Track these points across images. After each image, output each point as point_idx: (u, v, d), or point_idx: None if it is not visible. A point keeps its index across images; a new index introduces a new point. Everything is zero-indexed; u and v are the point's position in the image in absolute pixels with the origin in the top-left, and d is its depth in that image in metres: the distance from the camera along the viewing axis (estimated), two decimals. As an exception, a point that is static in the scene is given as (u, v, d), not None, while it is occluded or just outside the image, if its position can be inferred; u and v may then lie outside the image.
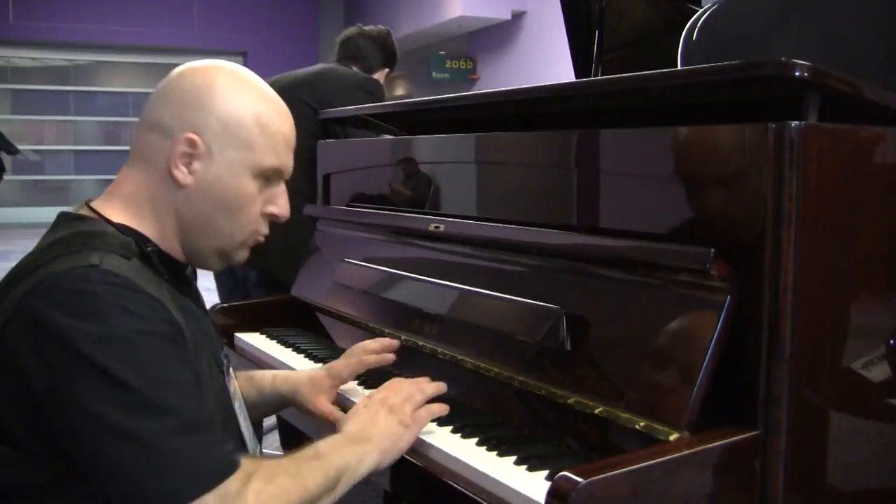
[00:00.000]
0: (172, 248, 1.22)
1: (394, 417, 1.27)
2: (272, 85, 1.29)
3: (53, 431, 1.01)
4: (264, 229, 1.26)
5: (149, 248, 1.16)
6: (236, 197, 1.20)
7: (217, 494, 1.00)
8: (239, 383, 1.41)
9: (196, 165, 1.18)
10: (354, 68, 3.05)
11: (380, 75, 3.14)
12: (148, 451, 0.98)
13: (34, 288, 1.03)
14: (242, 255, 1.27)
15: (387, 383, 1.35)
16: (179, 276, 1.24)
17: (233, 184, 1.20)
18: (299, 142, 1.31)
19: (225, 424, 1.24)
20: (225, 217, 1.21)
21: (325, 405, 1.45)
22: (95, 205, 1.20)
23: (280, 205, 1.26)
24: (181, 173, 1.18)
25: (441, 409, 1.31)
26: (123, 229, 1.16)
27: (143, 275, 1.10)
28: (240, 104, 1.20)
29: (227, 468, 1.03)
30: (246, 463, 1.06)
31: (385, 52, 3.18)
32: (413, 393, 1.31)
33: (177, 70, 1.23)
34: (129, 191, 1.21)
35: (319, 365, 1.67)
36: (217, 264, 1.27)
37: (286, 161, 1.25)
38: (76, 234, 1.12)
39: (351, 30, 3.22)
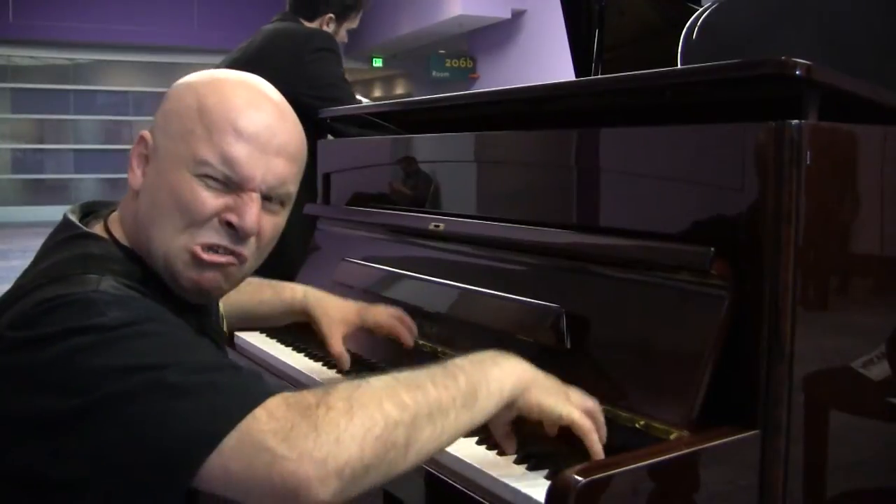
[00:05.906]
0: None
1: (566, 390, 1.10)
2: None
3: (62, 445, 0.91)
4: (222, 240, 1.08)
5: (151, 283, 1.07)
6: (171, 194, 1.06)
7: (283, 402, 0.90)
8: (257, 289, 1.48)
9: (148, 167, 1.10)
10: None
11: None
12: (167, 396, 0.89)
13: (17, 318, 0.95)
14: (192, 274, 1.08)
15: None
16: (191, 311, 1.14)
17: (171, 179, 1.07)
18: None
19: None
20: (164, 217, 1.07)
21: (338, 345, 1.49)
22: (112, 220, 1.14)
23: (241, 216, 1.06)
24: (133, 175, 1.10)
25: (598, 450, 1.07)
26: (132, 255, 1.09)
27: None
28: (188, 94, 1.10)
29: (267, 394, 0.91)
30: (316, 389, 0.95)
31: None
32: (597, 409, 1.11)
33: None
34: (121, 210, 1.14)
35: (318, 363, 1.67)
36: (174, 283, 1.10)
37: (233, 156, 1.06)
38: (78, 258, 1.04)
39: None
